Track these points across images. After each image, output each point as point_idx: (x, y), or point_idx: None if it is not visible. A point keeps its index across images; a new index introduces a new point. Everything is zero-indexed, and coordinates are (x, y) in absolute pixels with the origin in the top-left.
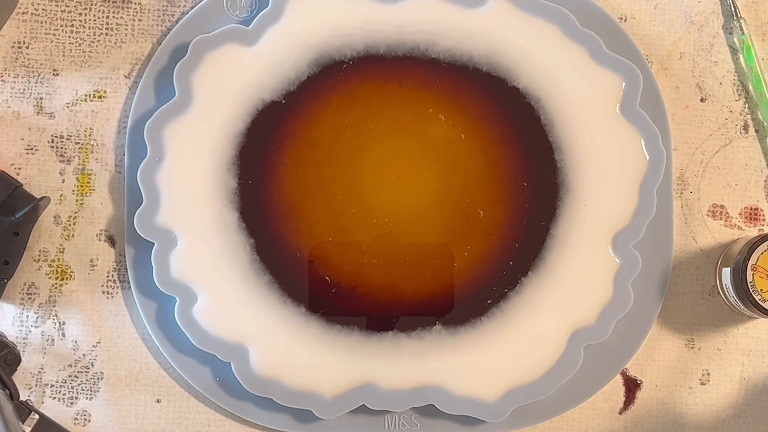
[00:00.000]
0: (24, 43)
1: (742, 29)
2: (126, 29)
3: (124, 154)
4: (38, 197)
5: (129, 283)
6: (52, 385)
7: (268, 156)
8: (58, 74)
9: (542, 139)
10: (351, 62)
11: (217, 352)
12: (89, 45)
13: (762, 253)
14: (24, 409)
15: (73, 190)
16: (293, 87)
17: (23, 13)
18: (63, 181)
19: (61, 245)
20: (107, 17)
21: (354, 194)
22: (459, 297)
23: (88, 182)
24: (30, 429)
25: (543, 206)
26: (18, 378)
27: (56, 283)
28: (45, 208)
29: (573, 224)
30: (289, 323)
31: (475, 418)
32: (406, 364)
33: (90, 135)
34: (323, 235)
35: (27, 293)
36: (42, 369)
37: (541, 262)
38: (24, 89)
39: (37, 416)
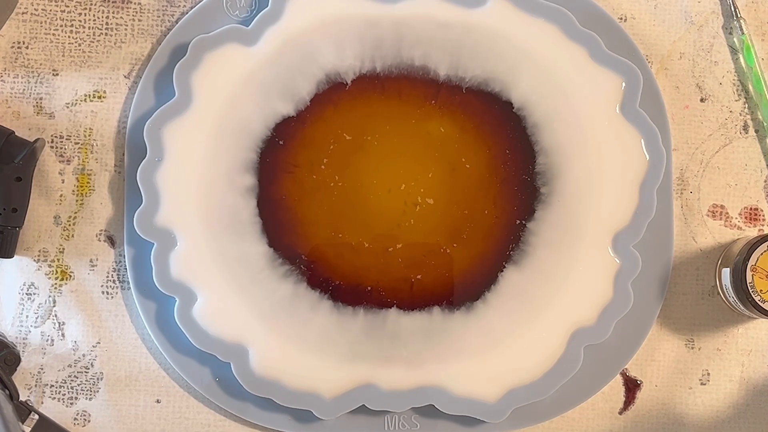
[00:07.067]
0: (24, 43)
1: (742, 29)
2: (126, 29)
3: (123, 154)
4: (32, 140)
5: (129, 283)
6: (52, 386)
7: (269, 156)
8: (57, 74)
9: (538, 143)
10: (352, 82)
11: (216, 352)
12: (89, 45)
13: (762, 254)
14: (24, 410)
15: (73, 190)
16: (297, 96)
17: (23, 13)
18: (63, 181)
19: (61, 245)
20: (107, 17)
21: (354, 195)
22: (458, 294)
23: (88, 182)
24: (30, 429)
25: (540, 206)
26: (18, 378)
27: (56, 283)
28: (42, 150)
29: (573, 224)
30: (294, 318)
31: (475, 418)
32: (405, 364)
33: (90, 135)
34: (324, 235)
35: (27, 293)
36: (42, 369)
37: (540, 260)
38: (24, 89)
39: (36, 416)
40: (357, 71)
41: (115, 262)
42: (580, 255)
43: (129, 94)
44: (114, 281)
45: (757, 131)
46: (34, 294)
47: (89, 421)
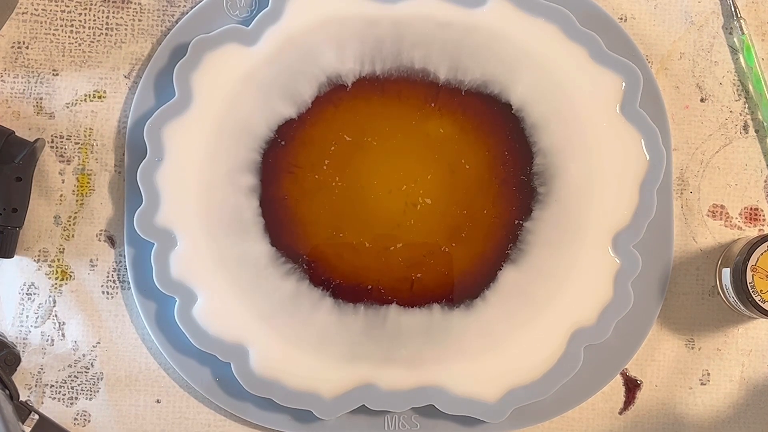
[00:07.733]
0: (24, 43)
1: (742, 29)
2: (126, 29)
3: (123, 154)
4: (32, 140)
5: (129, 283)
6: (52, 386)
7: (271, 156)
8: (57, 74)
9: (536, 143)
10: (352, 84)
11: (216, 352)
12: (89, 45)
13: (762, 254)
14: (24, 410)
15: (73, 190)
16: (298, 98)
17: (23, 13)
18: (63, 181)
19: (61, 245)
20: (107, 17)
21: (355, 195)
22: (458, 292)
23: (88, 182)
24: (30, 429)
25: (537, 206)
26: (18, 378)
27: (56, 283)
28: (42, 150)
29: (573, 223)
30: (295, 318)
31: (475, 418)
32: (405, 364)
33: (90, 135)
34: (325, 235)
35: (27, 293)
36: (42, 369)
37: (539, 260)
38: (24, 89)
39: (36, 416)
40: (357, 74)
41: (115, 262)
42: (580, 255)
43: (129, 94)
44: (114, 281)
45: (757, 131)
46: (34, 294)
47: (89, 421)
